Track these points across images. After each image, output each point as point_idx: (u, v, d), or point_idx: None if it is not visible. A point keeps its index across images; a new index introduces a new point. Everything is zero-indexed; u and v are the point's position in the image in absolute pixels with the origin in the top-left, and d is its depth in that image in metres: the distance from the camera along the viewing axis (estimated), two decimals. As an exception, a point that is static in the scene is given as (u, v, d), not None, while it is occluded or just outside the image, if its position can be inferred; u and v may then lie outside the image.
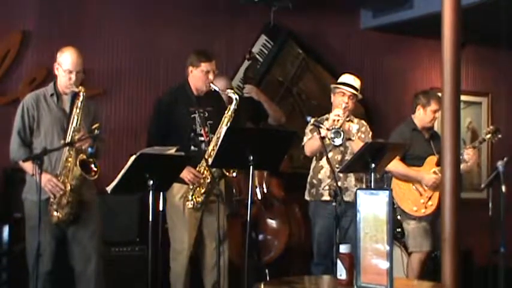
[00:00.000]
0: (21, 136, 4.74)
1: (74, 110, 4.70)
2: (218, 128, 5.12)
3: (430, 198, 5.72)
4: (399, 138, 5.81)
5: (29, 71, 6.11)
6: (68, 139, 4.63)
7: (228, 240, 5.33)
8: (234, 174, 5.15)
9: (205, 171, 5.09)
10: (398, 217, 5.86)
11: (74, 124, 4.66)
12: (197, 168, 5.09)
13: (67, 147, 4.62)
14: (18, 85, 6.07)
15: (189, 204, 5.12)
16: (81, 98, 4.69)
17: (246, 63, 6.85)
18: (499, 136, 6.01)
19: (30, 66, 6.13)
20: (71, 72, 4.74)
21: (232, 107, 5.14)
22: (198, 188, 5.12)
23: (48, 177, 4.60)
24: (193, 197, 5.11)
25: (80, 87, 4.71)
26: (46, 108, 4.79)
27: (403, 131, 5.93)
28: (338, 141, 5.18)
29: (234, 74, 6.98)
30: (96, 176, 4.62)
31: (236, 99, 5.13)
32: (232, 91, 5.28)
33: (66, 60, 4.76)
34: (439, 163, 5.65)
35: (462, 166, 5.63)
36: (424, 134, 5.92)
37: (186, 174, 4.98)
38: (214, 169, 5.00)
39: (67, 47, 4.85)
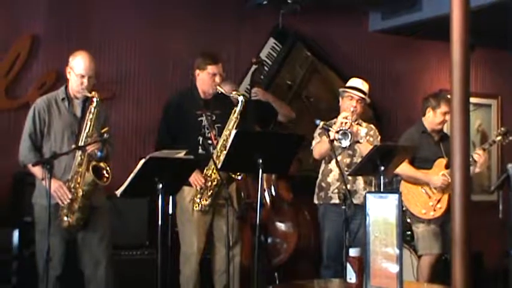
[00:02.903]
0: (33, 139, 4.73)
1: (87, 115, 4.69)
2: (224, 130, 5.13)
3: (439, 201, 5.70)
4: (408, 141, 5.80)
5: (38, 75, 6.13)
6: (81, 144, 4.63)
7: (240, 245, 5.33)
8: (239, 177, 5.15)
9: (213, 174, 5.09)
10: (408, 220, 5.84)
11: (87, 129, 4.66)
12: (205, 171, 5.10)
13: (79, 152, 4.62)
14: (28, 89, 6.09)
15: (196, 207, 5.13)
16: (94, 104, 4.69)
17: (253, 68, 6.85)
18: (510, 138, 5.98)
19: (39, 70, 6.15)
20: (83, 76, 4.74)
21: (238, 108, 5.14)
22: (205, 191, 5.12)
23: (59, 183, 4.60)
24: (201, 199, 5.12)
25: (94, 93, 4.70)
26: (57, 112, 4.79)
27: (412, 134, 5.92)
28: (345, 142, 5.17)
29: (243, 77, 6.99)
30: (108, 182, 4.61)
31: (242, 101, 5.14)
32: (238, 93, 5.29)
33: (78, 65, 4.76)
34: (448, 165, 5.64)
35: (471, 168, 5.61)
36: (434, 136, 5.90)
37: (191, 177, 4.98)
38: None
39: (80, 51, 4.85)
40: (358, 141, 5.39)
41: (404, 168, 5.63)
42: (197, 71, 5.31)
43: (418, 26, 7.40)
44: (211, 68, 5.24)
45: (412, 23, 7.37)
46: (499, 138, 5.98)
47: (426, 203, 5.73)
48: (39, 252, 4.69)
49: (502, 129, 6.16)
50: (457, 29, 1.70)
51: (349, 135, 5.16)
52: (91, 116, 4.69)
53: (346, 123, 5.23)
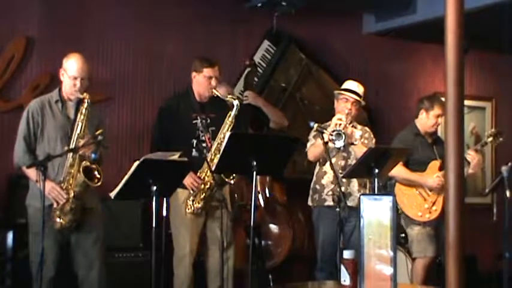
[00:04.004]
0: (27, 141, 4.73)
1: (79, 116, 4.70)
2: (219, 134, 5.12)
3: (434, 203, 5.70)
4: (402, 144, 5.80)
5: (33, 77, 6.11)
6: (72, 146, 4.63)
7: (234, 247, 5.32)
8: (232, 181, 5.13)
9: (206, 177, 5.09)
10: (402, 222, 5.83)
11: (78, 131, 4.66)
12: (198, 174, 5.09)
13: (71, 154, 4.62)
14: (22, 91, 6.07)
15: (189, 209, 5.11)
16: (85, 105, 4.69)
17: (247, 70, 6.85)
18: (501, 139, 5.99)
19: (34, 72, 6.14)
20: (76, 78, 4.74)
21: (233, 112, 5.14)
22: (198, 194, 5.11)
23: (52, 184, 4.59)
24: (194, 202, 5.11)
25: (85, 94, 4.70)
26: (50, 114, 4.78)
27: (406, 136, 5.92)
28: (339, 143, 5.17)
29: (237, 80, 6.98)
30: (99, 183, 4.61)
31: (237, 104, 5.14)
32: (233, 97, 5.28)
33: (71, 67, 4.76)
34: (441, 168, 5.65)
35: (465, 169, 5.61)
36: (427, 138, 5.90)
37: (187, 179, 4.97)
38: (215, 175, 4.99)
39: (73, 53, 4.85)
40: (352, 144, 5.40)
41: (399, 170, 5.64)
42: (193, 74, 5.31)
43: (412, 29, 7.41)
44: (207, 71, 5.24)
45: (406, 26, 7.37)
46: (490, 139, 5.98)
47: (422, 205, 5.73)
48: (32, 254, 4.68)
49: (493, 130, 6.18)
50: (451, 32, 1.71)
51: (343, 136, 5.16)
52: (82, 117, 4.69)
53: (340, 124, 5.23)
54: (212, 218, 5.20)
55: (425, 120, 5.87)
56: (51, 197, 4.59)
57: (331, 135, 5.15)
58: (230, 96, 5.28)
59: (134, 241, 5.92)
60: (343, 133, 5.17)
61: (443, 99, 5.16)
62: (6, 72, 6.03)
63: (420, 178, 5.74)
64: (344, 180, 5.41)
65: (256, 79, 6.99)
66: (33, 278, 4.64)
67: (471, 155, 5.72)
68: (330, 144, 5.20)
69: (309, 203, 5.61)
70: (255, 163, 4.34)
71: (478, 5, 6.32)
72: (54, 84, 5.24)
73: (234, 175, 5.06)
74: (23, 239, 5.09)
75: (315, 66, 7.48)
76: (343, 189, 5.23)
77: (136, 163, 4.26)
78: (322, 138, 5.10)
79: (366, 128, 5.72)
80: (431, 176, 5.70)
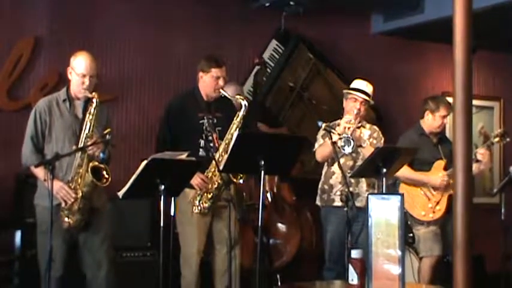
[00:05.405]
0: (34, 142, 4.73)
1: (87, 116, 4.69)
2: (226, 134, 5.11)
3: (438, 202, 5.70)
4: (407, 143, 5.79)
5: (41, 76, 6.14)
6: (81, 145, 4.63)
7: (240, 245, 5.32)
8: (241, 181, 5.12)
9: (213, 177, 5.08)
10: (408, 222, 5.82)
11: (87, 130, 4.66)
12: (205, 174, 5.09)
13: (79, 153, 4.62)
14: (30, 91, 6.09)
15: (195, 209, 5.11)
16: (94, 105, 4.68)
17: (256, 69, 6.85)
18: (508, 139, 5.96)
19: (42, 71, 6.16)
20: (84, 76, 4.73)
21: (241, 113, 5.12)
22: (205, 193, 5.11)
23: (60, 184, 4.59)
24: (200, 202, 5.11)
25: (94, 93, 4.69)
26: (58, 113, 4.78)
27: (411, 136, 5.91)
28: (348, 149, 5.15)
29: (245, 79, 6.99)
30: (107, 183, 4.61)
31: (245, 105, 5.12)
32: (241, 97, 5.27)
33: (79, 64, 4.75)
34: (446, 167, 5.65)
35: (475, 167, 5.60)
36: (432, 138, 5.89)
37: (194, 179, 4.96)
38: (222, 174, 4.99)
39: (81, 51, 4.84)
40: (360, 146, 5.38)
41: (403, 171, 5.62)
42: (200, 73, 5.29)
43: (420, 28, 7.40)
44: (214, 71, 5.21)
45: (414, 25, 7.37)
46: (496, 139, 5.96)
47: (425, 205, 5.73)
48: (41, 253, 4.69)
49: (500, 130, 6.16)
50: (459, 31, 1.71)
51: (352, 142, 5.13)
52: (90, 116, 4.68)
53: (349, 128, 5.19)
54: (219, 217, 5.20)
55: (431, 121, 5.85)
56: (59, 196, 4.59)
57: (340, 138, 5.13)
58: (238, 96, 5.26)
59: (142, 240, 5.93)
60: (352, 139, 5.14)
61: (449, 99, 5.17)
62: (14, 72, 6.06)
63: (424, 177, 5.73)
64: (352, 180, 5.40)
65: (264, 78, 7.00)
66: (41, 277, 4.64)
67: (482, 153, 5.70)
68: (339, 148, 5.18)
69: (317, 202, 5.61)
70: (263, 163, 4.34)
71: (486, 4, 6.31)
72: (63, 84, 5.25)
73: (241, 175, 5.05)
74: (31, 238, 5.09)
75: (323, 66, 7.48)
76: (351, 189, 5.22)
77: (144, 162, 4.26)
78: (330, 138, 5.08)
79: (375, 127, 5.69)
80: (437, 174, 5.70)
